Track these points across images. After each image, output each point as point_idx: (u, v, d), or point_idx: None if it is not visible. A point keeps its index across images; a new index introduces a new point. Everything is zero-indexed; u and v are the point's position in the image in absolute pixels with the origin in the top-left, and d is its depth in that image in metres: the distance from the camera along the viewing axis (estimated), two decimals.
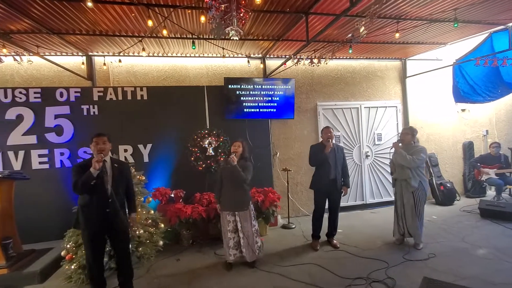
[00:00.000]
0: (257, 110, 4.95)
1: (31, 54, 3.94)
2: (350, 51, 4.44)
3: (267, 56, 5.16)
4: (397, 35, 3.91)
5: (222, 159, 3.51)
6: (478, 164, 5.59)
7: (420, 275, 2.82)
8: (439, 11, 3.64)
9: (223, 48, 4.49)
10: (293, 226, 4.76)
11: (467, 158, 6.20)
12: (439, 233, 4.11)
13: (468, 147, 6.24)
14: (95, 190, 2.54)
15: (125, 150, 4.49)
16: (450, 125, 6.24)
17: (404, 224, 3.68)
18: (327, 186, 3.76)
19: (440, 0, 3.35)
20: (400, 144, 3.67)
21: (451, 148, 6.26)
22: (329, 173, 3.73)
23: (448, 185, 5.69)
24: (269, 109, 5.01)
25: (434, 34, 4.50)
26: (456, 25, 3.68)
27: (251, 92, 4.90)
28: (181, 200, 4.32)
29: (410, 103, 5.95)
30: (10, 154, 4.11)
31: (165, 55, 4.83)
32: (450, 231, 4.15)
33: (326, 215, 3.94)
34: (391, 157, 3.79)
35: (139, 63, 4.89)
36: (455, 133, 6.28)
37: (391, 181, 4.26)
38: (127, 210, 2.85)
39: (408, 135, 3.65)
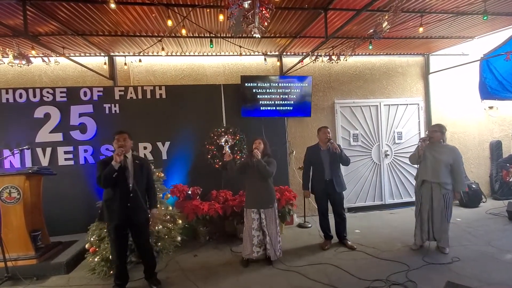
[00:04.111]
0: (274, 108, 4.93)
1: (57, 55, 4.12)
2: (370, 47, 4.31)
3: (284, 53, 5.12)
4: (420, 29, 3.74)
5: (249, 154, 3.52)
6: (507, 164, 5.30)
7: (443, 279, 2.73)
8: (466, 3, 3.46)
9: (240, 46, 4.50)
10: (309, 225, 4.73)
11: (494, 158, 5.89)
12: (463, 236, 3.93)
13: (496, 147, 5.92)
14: (117, 185, 2.67)
15: (145, 148, 4.61)
16: (476, 123, 5.94)
17: (430, 228, 3.48)
18: (324, 188, 3.71)
19: None
20: (427, 142, 3.47)
21: (477, 147, 5.96)
22: (323, 175, 3.68)
23: (474, 186, 5.42)
24: (286, 107, 4.97)
25: (461, 27, 4.29)
26: (485, 17, 3.47)
27: (267, 90, 4.87)
28: (198, 197, 4.40)
29: (433, 100, 5.72)
30: (39, 150, 4.32)
31: (183, 54, 4.91)
32: (475, 234, 3.96)
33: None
34: (415, 150, 3.55)
35: (158, 62, 4.99)
36: (482, 131, 5.97)
37: (414, 179, 3.94)
38: (147, 205, 2.95)
39: (436, 132, 3.45)
